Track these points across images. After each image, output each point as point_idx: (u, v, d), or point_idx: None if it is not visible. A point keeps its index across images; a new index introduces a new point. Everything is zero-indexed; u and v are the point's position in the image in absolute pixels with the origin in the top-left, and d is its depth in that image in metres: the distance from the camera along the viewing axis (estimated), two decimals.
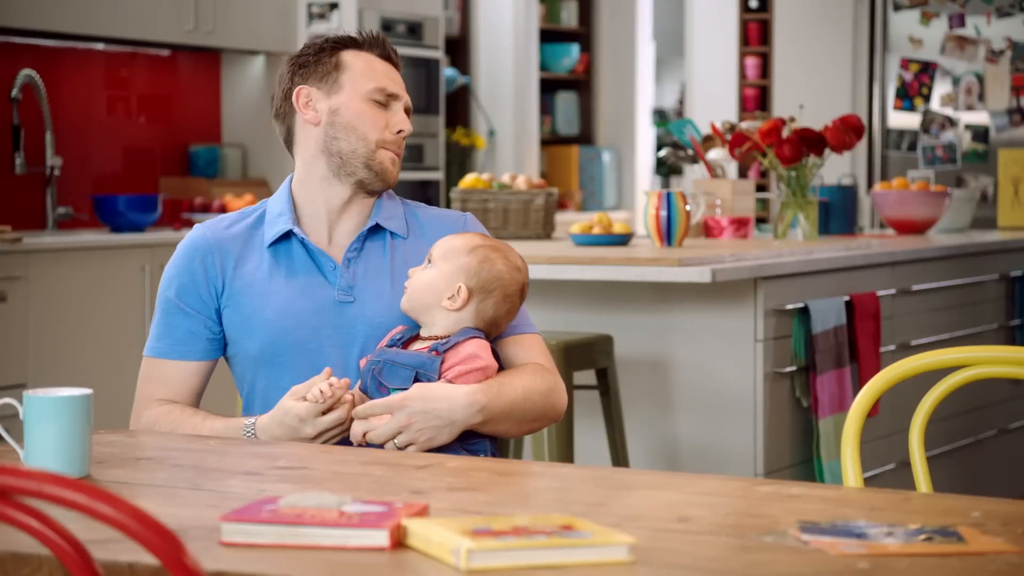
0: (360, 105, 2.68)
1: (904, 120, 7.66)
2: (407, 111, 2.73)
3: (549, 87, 9.43)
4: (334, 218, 2.69)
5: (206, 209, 6.60)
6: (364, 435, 2.46)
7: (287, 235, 2.66)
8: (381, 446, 2.46)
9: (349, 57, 2.70)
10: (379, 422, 2.46)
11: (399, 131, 2.69)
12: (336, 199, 2.69)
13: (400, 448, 2.45)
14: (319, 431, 2.47)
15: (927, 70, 7.59)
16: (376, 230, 2.68)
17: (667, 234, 4.47)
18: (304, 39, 7.26)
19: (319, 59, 2.70)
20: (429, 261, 2.59)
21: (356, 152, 2.67)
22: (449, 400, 2.46)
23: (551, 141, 9.47)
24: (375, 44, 2.72)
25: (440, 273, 2.55)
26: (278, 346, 2.62)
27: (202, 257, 2.67)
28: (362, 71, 2.69)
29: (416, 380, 2.48)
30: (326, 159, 2.68)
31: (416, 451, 2.45)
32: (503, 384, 2.52)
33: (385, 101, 2.69)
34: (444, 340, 2.52)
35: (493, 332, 2.59)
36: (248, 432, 2.53)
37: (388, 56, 2.73)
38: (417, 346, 2.55)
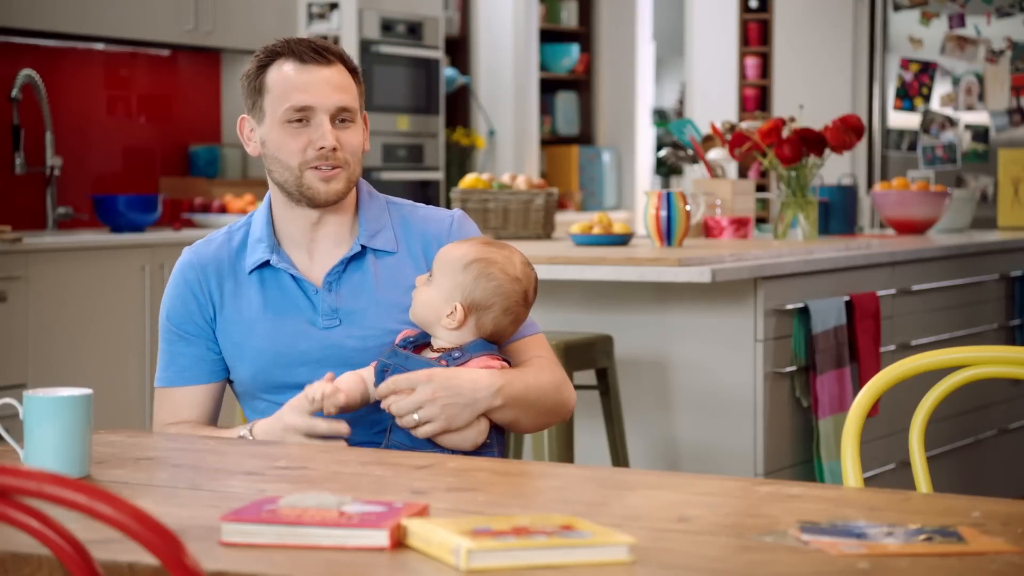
0: (278, 132, 2.58)
1: (904, 120, 7.66)
2: (337, 113, 2.58)
3: (549, 87, 9.43)
4: (312, 238, 2.64)
5: (206, 209, 6.60)
6: (389, 407, 2.47)
7: (268, 262, 2.64)
8: (400, 442, 2.47)
9: (270, 75, 2.58)
10: (397, 398, 2.46)
11: (321, 147, 2.56)
12: (304, 221, 2.63)
13: (419, 425, 2.45)
14: (299, 427, 2.48)
15: (927, 70, 7.59)
16: (361, 250, 2.64)
17: (667, 234, 4.47)
18: None
19: (249, 83, 2.61)
20: (431, 274, 2.56)
21: (288, 181, 2.59)
22: (472, 379, 2.47)
23: (551, 141, 9.47)
24: (290, 50, 2.58)
25: (437, 290, 2.53)
26: (269, 373, 2.60)
27: (191, 284, 2.65)
28: (276, 92, 2.57)
29: None
30: (275, 187, 2.64)
31: (433, 431, 2.45)
32: (518, 372, 2.54)
33: (301, 118, 2.56)
34: (456, 354, 2.52)
35: (499, 341, 2.58)
36: (243, 435, 2.54)
37: (305, 58, 2.57)
38: (429, 353, 2.55)
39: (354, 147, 2.60)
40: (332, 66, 2.59)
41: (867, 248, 4.78)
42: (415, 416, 2.45)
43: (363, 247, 2.63)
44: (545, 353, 2.64)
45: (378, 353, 2.57)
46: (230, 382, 2.70)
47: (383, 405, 2.48)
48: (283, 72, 2.58)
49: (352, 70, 2.63)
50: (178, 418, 2.65)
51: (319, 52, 2.58)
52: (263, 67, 2.60)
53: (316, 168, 2.57)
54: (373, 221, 2.66)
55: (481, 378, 2.48)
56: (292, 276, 2.62)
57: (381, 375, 2.52)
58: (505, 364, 2.54)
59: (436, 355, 2.52)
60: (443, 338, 2.54)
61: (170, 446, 2.43)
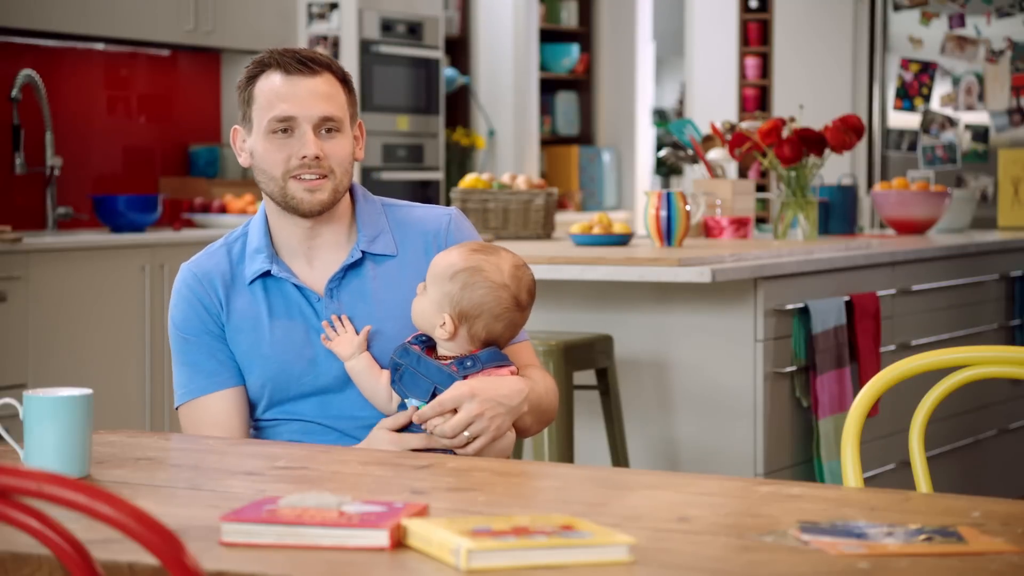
0: (263, 143, 2.58)
1: (904, 120, 7.65)
2: (321, 123, 2.56)
3: (549, 87, 9.43)
4: (309, 246, 2.62)
5: (206, 209, 6.60)
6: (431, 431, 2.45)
7: (268, 272, 2.62)
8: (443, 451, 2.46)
9: (258, 86, 2.58)
10: (440, 420, 2.45)
11: (303, 156, 2.55)
12: (298, 230, 2.62)
13: (467, 443, 2.43)
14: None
15: (927, 70, 7.59)
16: (361, 256, 2.62)
17: (667, 234, 4.47)
18: (304, 39, 7.26)
19: (240, 94, 2.62)
20: (425, 284, 2.55)
21: (273, 191, 2.59)
22: (508, 385, 2.48)
23: (551, 141, 9.47)
24: (276, 61, 2.57)
25: (429, 301, 2.52)
26: (277, 382, 2.58)
27: (197, 294, 2.62)
28: (262, 102, 2.57)
29: (434, 395, 2.48)
30: (266, 197, 2.63)
31: (484, 444, 2.44)
32: (531, 379, 2.55)
33: (285, 128, 2.56)
34: (469, 363, 2.50)
35: (499, 345, 2.56)
36: None
37: (289, 69, 2.56)
38: (440, 355, 2.53)
39: (340, 157, 2.58)
40: (318, 76, 2.57)
41: (867, 248, 4.78)
42: (465, 434, 2.43)
43: (363, 253, 2.62)
44: (534, 361, 2.65)
45: (380, 360, 2.56)
46: None
47: (428, 428, 2.45)
48: (269, 83, 2.57)
49: (342, 79, 2.61)
50: (215, 433, 2.57)
51: (303, 62, 2.56)
52: (252, 78, 2.59)
53: (298, 178, 2.56)
54: (371, 226, 2.64)
55: (514, 383, 2.49)
56: (294, 285, 2.61)
57: (395, 372, 2.52)
58: (516, 372, 2.54)
59: (448, 361, 2.51)
60: (443, 347, 2.53)
61: (170, 446, 2.43)
